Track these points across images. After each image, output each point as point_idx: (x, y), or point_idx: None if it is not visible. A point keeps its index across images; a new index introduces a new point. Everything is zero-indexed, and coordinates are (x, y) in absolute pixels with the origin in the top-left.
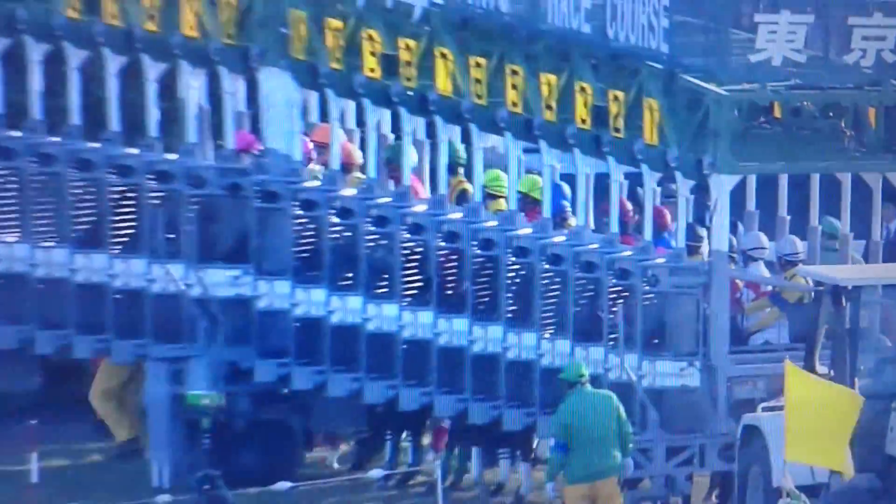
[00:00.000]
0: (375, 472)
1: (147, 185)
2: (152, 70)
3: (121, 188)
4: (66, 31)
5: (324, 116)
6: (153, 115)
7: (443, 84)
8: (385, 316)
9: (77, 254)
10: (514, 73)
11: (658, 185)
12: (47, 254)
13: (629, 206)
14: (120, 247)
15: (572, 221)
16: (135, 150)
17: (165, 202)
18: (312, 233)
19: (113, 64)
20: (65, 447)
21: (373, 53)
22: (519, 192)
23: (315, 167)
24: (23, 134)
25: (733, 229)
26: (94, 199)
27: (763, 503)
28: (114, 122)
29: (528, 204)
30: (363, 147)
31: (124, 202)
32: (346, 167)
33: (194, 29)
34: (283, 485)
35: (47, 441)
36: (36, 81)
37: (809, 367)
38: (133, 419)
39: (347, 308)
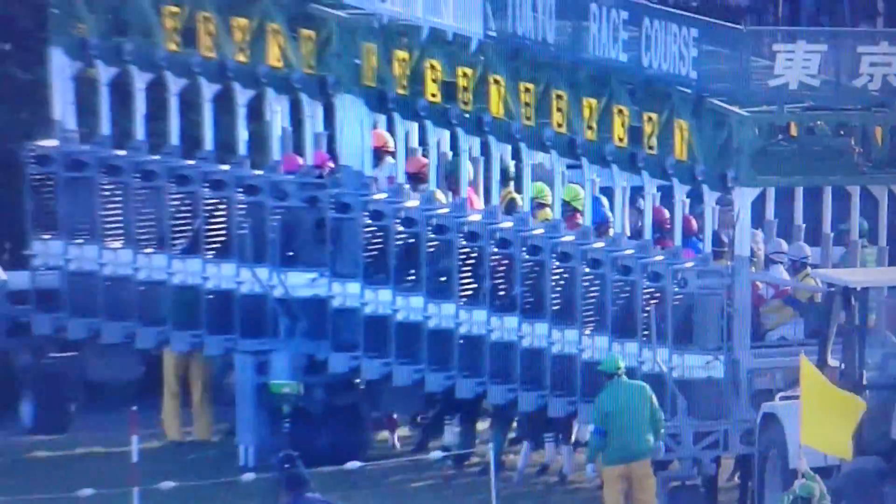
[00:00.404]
0: (435, 454)
1: (236, 198)
2: (242, 96)
3: (213, 200)
4: (167, 62)
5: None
6: (242, 135)
7: (496, 107)
8: (444, 314)
9: (174, 259)
10: (559, 97)
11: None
12: (148, 259)
13: (667, 214)
14: (212, 252)
15: (611, 232)
16: (226, 167)
17: (252, 212)
18: (380, 240)
19: (207, 91)
20: (162, 431)
21: (434, 80)
22: (562, 200)
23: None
24: (128, 153)
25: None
26: (189, 210)
27: (780, 483)
28: (208, 142)
29: (569, 211)
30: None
31: (216, 213)
32: (419, 177)
33: (279, 60)
34: (353, 464)
35: (146, 425)
36: (140, 106)
37: (822, 361)
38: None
39: (410, 307)
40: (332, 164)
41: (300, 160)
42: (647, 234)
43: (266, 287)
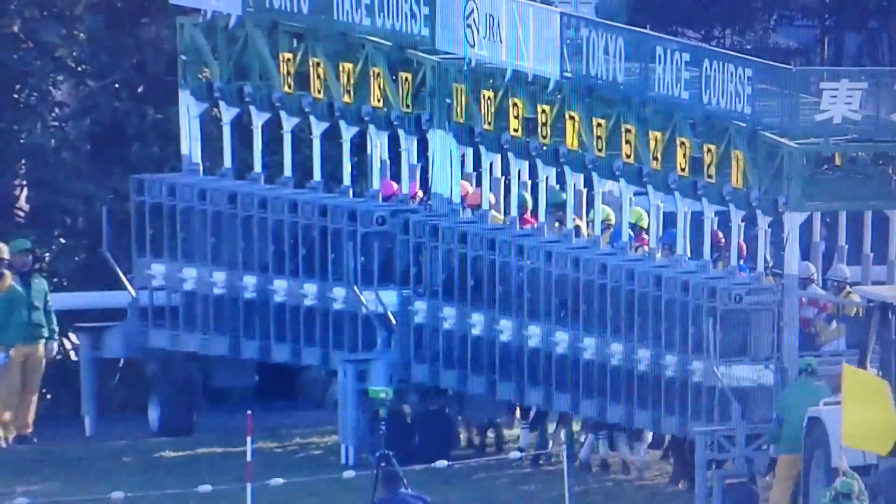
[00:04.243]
0: (514, 454)
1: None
2: (347, 133)
3: (321, 226)
4: (282, 102)
5: (477, 166)
6: (346, 168)
7: (571, 140)
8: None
9: (292, 280)
10: (628, 131)
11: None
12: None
13: (721, 236)
14: (321, 273)
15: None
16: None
17: (355, 237)
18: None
19: (317, 128)
20: (273, 433)
21: (516, 117)
22: (629, 223)
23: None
24: (247, 183)
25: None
26: (302, 234)
27: (824, 480)
28: (317, 173)
29: (635, 231)
30: (508, 190)
31: (324, 237)
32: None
33: (380, 100)
34: (441, 462)
35: (259, 427)
36: (258, 142)
37: (862, 368)
38: None
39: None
40: (420, 193)
41: (395, 186)
42: (707, 254)
43: (363, 304)
